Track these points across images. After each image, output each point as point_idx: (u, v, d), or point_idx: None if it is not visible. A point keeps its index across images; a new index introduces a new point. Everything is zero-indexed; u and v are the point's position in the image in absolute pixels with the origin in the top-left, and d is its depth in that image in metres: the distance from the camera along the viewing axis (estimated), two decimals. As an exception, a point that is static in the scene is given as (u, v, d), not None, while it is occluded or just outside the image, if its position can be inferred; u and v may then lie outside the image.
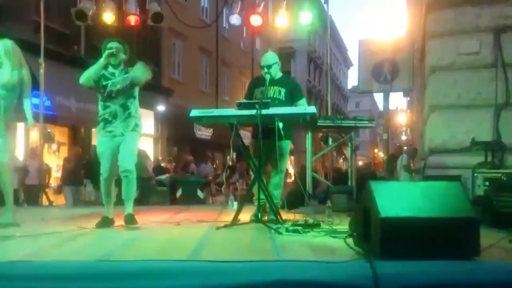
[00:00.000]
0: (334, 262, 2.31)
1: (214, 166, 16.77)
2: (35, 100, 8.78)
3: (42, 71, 7.57)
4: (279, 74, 4.55)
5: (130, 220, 3.92)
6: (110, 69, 4.01)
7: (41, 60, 7.25)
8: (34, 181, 8.03)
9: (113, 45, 4.00)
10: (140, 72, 3.98)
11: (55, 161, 10.62)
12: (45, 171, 8.32)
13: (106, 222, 3.97)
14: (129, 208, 4.01)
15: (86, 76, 3.94)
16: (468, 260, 2.37)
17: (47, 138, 7.77)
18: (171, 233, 3.75)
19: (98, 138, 4.06)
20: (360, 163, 20.83)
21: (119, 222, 4.04)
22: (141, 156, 10.37)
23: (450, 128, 5.25)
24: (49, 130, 8.50)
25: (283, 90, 4.41)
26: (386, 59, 6.72)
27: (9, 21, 9.14)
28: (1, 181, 4.09)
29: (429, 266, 2.27)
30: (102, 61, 3.94)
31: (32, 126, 4.30)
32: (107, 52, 3.94)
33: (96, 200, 8.56)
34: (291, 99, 4.43)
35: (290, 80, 4.86)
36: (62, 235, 3.45)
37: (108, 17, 7.24)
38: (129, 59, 4.16)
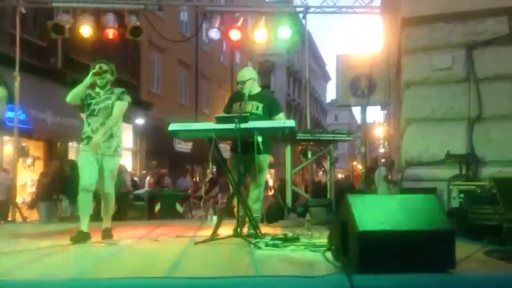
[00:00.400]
0: (313, 276, 2.31)
1: (194, 179, 16.65)
2: (10, 114, 8.63)
3: (17, 84, 7.43)
4: (257, 89, 4.59)
5: (107, 234, 4.09)
6: (97, 89, 4.17)
7: (16, 73, 7.12)
8: (1, 196, 7.76)
9: (101, 65, 4.16)
10: (118, 110, 4.14)
11: (29, 175, 10.37)
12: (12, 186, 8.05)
13: (82, 237, 3.90)
14: (106, 223, 4.21)
15: (72, 95, 4.09)
16: (444, 272, 2.40)
17: (22, 152, 7.58)
18: (149, 249, 3.69)
19: (80, 153, 4.19)
20: (340, 175, 20.99)
21: (96, 237, 3.98)
22: (120, 170, 10.24)
23: (425, 141, 5.36)
24: (23, 144, 8.31)
25: (260, 105, 4.45)
26: (363, 73, 6.84)
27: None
28: None
29: (406, 278, 2.29)
30: (87, 80, 4.07)
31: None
32: (91, 71, 4.09)
33: (72, 216, 8.37)
34: (269, 113, 4.46)
35: (268, 95, 4.91)
36: (35, 252, 3.35)
37: (86, 30, 7.18)
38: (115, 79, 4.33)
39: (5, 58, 7.54)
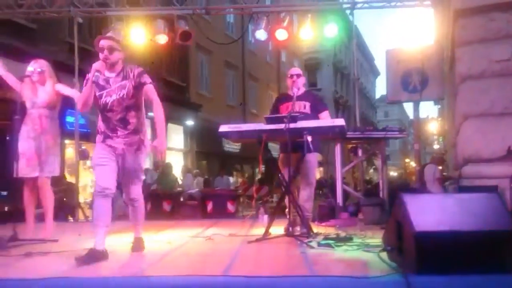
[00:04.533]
0: (369, 277, 2.29)
1: (241, 179, 16.82)
2: (70, 118, 9.13)
3: (76, 90, 7.83)
4: (302, 90, 4.63)
5: (137, 245, 3.52)
6: (106, 73, 3.33)
7: (76, 79, 7.50)
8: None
9: (104, 44, 3.30)
10: (157, 105, 3.36)
11: (90, 177, 10.91)
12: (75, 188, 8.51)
13: (92, 257, 3.00)
14: (137, 231, 3.65)
15: (81, 103, 3.28)
16: (508, 274, 2.29)
17: (82, 155, 7.97)
18: (203, 247, 3.78)
19: (96, 149, 3.41)
20: (392, 173, 20.41)
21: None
22: (169, 169, 10.58)
23: (484, 137, 5.10)
24: (83, 147, 8.75)
25: (307, 104, 4.49)
26: (415, 68, 6.61)
27: (43, 43, 9.54)
28: (41, 196, 4.28)
29: (467, 280, 2.22)
30: (88, 83, 3.21)
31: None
32: (93, 68, 3.22)
33: (125, 214, 8.74)
34: (316, 111, 4.49)
35: (313, 94, 4.99)
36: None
37: (139, 37, 7.45)
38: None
39: (65, 66, 7.95)
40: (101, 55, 3.30)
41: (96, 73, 3.22)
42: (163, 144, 3.32)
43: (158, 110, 3.36)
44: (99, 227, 3.17)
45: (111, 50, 3.31)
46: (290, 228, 3.93)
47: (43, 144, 4.24)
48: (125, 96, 3.30)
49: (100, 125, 3.41)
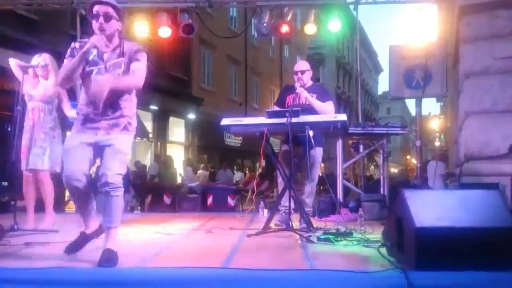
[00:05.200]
0: (368, 272, 2.29)
1: (249, 173, 16.80)
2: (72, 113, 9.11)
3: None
4: (309, 83, 4.60)
5: (106, 258, 2.59)
6: (101, 47, 2.85)
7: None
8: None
9: (100, 9, 2.77)
10: (140, 72, 2.80)
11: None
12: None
13: (84, 239, 2.91)
14: (109, 238, 2.74)
15: (63, 77, 2.81)
16: (508, 271, 2.29)
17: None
18: (203, 240, 3.79)
19: (70, 134, 2.91)
20: (393, 170, 20.43)
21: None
22: (170, 163, 10.60)
23: (486, 134, 5.09)
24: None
25: (314, 96, 4.45)
26: (418, 64, 6.58)
27: (45, 34, 9.53)
28: (40, 189, 4.30)
29: (467, 277, 2.22)
30: (79, 56, 2.73)
31: None
32: (91, 42, 2.73)
33: (132, 207, 8.79)
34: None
35: (318, 86, 4.94)
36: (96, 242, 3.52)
37: (141, 29, 7.43)
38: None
39: (67, 58, 7.97)
40: (94, 24, 2.78)
41: (92, 49, 2.78)
42: (107, 82, 2.70)
43: (130, 78, 2.78)
44: (85, 214, 2.95)
45: (108, 17, 2.77)
46: (290, 223, 3.93)
47: (33, 137, 4.25)
48: (120, 75, 2.80)
49: (82, 106, 2.85)
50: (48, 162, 4.28)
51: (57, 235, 3.82)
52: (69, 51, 2.86)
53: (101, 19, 2.76)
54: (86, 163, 2.78)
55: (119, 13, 2.85)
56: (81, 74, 2.84)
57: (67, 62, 2.81)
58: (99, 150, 2.78)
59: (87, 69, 2.82)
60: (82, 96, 2.90)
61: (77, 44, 2.86)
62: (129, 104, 2.89)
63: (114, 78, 2.77)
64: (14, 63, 4.17)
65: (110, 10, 2.79)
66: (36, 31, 9.56)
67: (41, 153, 4.25)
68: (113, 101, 2.80)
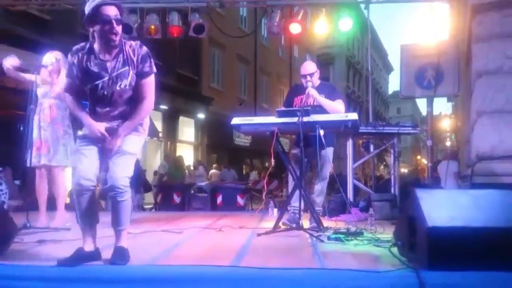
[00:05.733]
0: (380, 271, 2.28)
1: (263, 173, 16.72)
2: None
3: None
4: (317, 82, 4.59)
5: (118, 255, 2.62)
6: (100, 55, 2.63)
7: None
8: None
9: (111, 13, 2.55)
10: (147, 105, 2.69)
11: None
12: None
13: (79, 257, 2.58)
14: (119, 238, 2.73)
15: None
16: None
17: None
18: (214, 238, 3.80)
19: (81, 133, 2.85)
20: (403, 170, 20.29)
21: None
22: (181, 162, 10.65)
23: (499, 134, 5.03)
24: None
25: (323, 96, 4.43)
26: (430, 63, 6.53)
27: (58, 35, 9.62)
28: (53, 186, 4.34)
29: (479, 277, 2.20)
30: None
31: None
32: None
33: (139, 206, 8.84)
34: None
35: (327, 84, 4.91)
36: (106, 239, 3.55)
37: (152, 29, 7.47)
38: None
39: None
40: (100, 28, 2.54)
41: (92, 57, 2.62)
42: (115, 142, 2.63)
43: (143, 108, 2.68)
44: (86, 227, 2.72)
45: (118, 20, 2.56)
46: (300, 222, 3.93)
47: (52, 134, 4.28)
48: (127, 87, 2.62)
49: (88, 123, 2.70)
50: (70, 159, 4.33)
51: (69, 233, 3.85)
52: (67, 67, 2.71)
53: (114, 24, 2.55)
54: (96, 163, 2.66)
55: (123, 14, 2.68)
56: (84, 90, 2.69)
57: (69, 101, 2.74)
58: (107, 151, 2.68)
59: (90, 86, 2.64)
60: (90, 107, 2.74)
61: (74, 60, 2.65)
62: None
63: (124, 128, 2.63)
64: (9, 64, 4.18)
65: (119, 13, 2.60)
66: (49, 31, 9.66)
67: (63, 150, 4.28)
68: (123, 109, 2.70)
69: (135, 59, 2.63)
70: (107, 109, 2.67)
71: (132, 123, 2.66)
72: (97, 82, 2.62)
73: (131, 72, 2.62)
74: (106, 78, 2.61)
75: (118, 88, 2.61)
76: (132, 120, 2.66)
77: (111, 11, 2.56)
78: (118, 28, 2.58)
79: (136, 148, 2.74)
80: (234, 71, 19.37)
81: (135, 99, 2.68)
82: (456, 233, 2.29)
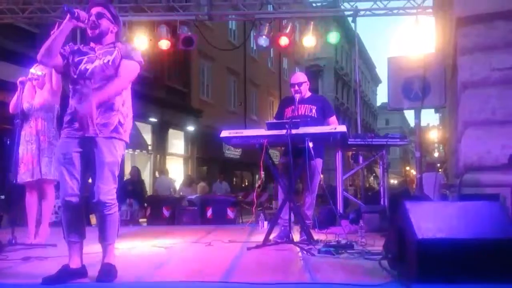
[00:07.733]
0: (370, 285, 2.27)
1: (242, 185, 16.72)
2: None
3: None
4: (308, 93, 4.62)
5: (105, 272, 2.58)
6: (91, 44, 2.82)
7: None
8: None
9: (92, 9, 2.76)
10: (126, 71, 2.72)
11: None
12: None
13: (65, 275, 2.55)
14: (107, 254, 2.68)
15: (45, 49, 2.72)
16: (510, 283, 2.27)
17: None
18: (203, 253, 3.76)
19: (60, 140, 2.76)
20: (392, 181, 20.41)
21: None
22: (166, 175, 10.61)
23: (486, 145, 5.09)
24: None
25: (313, 108, 4.46)
26: (416, 75, 6.61)
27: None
28: (42, 199, 4.29)
29: (469, 289, 2.20)
30: (64, 25, 2.68)
31: None
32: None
33: (136, 220, 8.71)
34: (323, 115, 4.47)
35: (319, 97, 4.94)
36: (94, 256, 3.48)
37: (142, 42, 7.47)
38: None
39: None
40: (86, 24, 2.73)
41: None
42: (89, 107, 2.55)
43: (114, 83, 2.67)
44: (73, 241, 2.67)
45: (99, 15, 2.74)
46: (291, 235, 3.91)
47: (37, 146, 4.22)
48: (110, 62, 2.69)
49: (70, 105, 2.73)
50: (54, 172, 4.26)
51: (55, 250, 3.78)
52: (56, 24, 2.84)
53: (93, 17, 2.73)
54: (79, 173, 2.62)
55: (114, 17, 2.81)
56: (67, 68, 2.74)
57: (55, 34, 2.73)
58: (90, 158, 2.64)
59: (76, 59, 2.72)
60: (71, 104, 2.73)
61: (72, 46, 2.81)
62: (122, 107, 2.74)
63: (97, 93, 2.61)
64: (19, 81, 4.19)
65: (102, 10, 2.77)
66: (37, 44, 9.60)
67: (49, 162, 4.21)
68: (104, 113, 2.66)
69: (123, 47, 2.78)
70: (87, 82, 2.67)
71: (102, 94, 2.63)
72: (81, 57, 2.73)
73: (116, 52, 2.74)
74: (91, 55, 2.74)
75: (101, 62, 2.70)
76: (103, 91, 2.63)
77: (94, 9, 2.77)
78: (101, 22, 2.75)
79: (117, 153, 2.68)
80: (223, 83, 19.40)
81: (114, 77, 2.70)
82: (445, 245, 2.29)
